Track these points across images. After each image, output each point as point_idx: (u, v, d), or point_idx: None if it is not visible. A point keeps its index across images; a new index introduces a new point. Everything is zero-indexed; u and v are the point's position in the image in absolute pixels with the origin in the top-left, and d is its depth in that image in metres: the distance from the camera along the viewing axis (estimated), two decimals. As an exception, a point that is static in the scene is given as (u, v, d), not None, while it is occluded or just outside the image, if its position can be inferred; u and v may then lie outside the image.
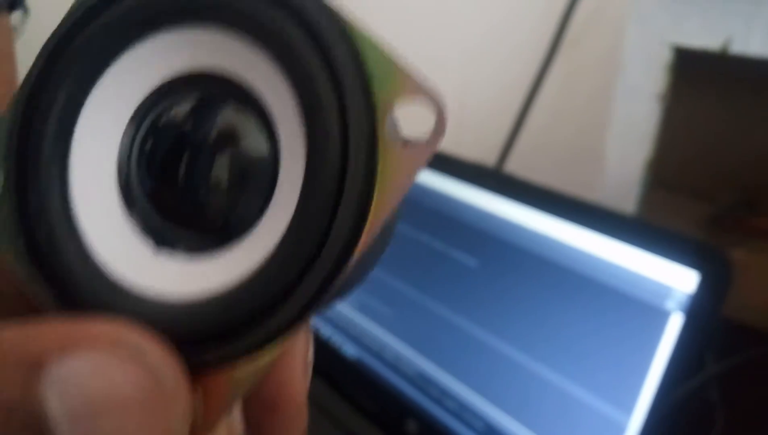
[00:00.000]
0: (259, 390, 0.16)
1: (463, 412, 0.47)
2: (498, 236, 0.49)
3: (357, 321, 0.56)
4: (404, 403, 0.51)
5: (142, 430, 0.11)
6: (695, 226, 0.58)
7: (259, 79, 0.14)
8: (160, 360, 0.12)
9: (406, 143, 0.13)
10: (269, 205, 0.14)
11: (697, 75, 0.50)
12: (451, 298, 0.50)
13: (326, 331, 0.58)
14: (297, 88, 0.14)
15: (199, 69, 0.15)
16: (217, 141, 0.15)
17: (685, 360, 0.39)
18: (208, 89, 0.15)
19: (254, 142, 0.15)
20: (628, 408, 0.40)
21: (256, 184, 0.15)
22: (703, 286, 0.39)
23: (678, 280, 0.40)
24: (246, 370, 0.14)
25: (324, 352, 0.57)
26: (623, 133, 0.51)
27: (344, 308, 0.57)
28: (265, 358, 0.14)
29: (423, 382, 0.50)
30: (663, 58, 0.47)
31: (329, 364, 0.56)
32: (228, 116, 0.15)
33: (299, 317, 0.13)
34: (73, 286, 0.14)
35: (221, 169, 0.15)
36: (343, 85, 0.13)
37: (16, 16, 0.50)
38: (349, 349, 0.56)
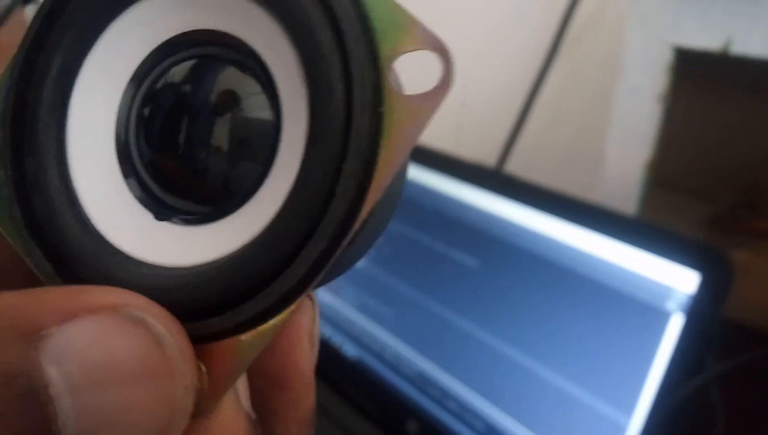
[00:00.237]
0: (264, 365, 0.16)
1: (463, 412, 0.47)
2: (498, 237, 0.49)
3: (357, 321, 0.56)
4: (405, 404, 0.51)
5: (145, 402, 0.11)
6: (696, 227, 0.58)
7: (258, 35, 0.14)
8: (164, 329, 0.11)
9: (413, 95, 0.13)
10: (271, 169, 0.14)
11: (698, 75, 0.50)
12: (452, 299, 0.50)
13: (326, 331, 0.58)
14: (297, 42, 0.13)
15: (197, 28, 0.14)
16: (217, 103, 0.14)
17: (685, 361, 0.39)
18: (207, 49, 0.14)
19: (255, 102, 0.14)
20: (629, 408, 0.40)
21: (258, 147, 0.14)
22: (704, 286, 0.39)
23: (678, 280, 0.40)
24: (250, 341, 0.13)
25: (324, 352, 0.57)
26: (624, 133, 0.51)
27: (344, 308, 0.57)
28: (269, 328, 0.13)
29: (423, 383, 0.50)
30: (663, 58, 0.47)
31: (329, 364, 0.56)
32: (228, 77, 0.14)
33: (303, 283, 0.13)
34: (72, 256, 0.14)
35: (221, 133, 0.14)
36: (346, 35, 0.13)
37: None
38: (350, 350, 0.56)
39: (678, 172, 0.56)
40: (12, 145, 0.14)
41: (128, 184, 0.15)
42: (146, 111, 0.15)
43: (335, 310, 0.58)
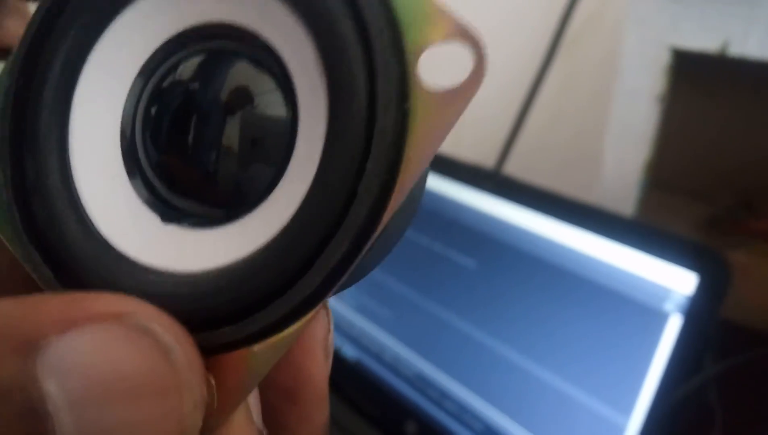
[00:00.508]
0: (277, 377, 0.15)
1: (462, 413, 0.47)
2: (497, 238, 0.49)
3: (356, 322, 0.56)
4: (403, 405, 0.51)
5: (151, 419, 0.10)
6: (694, 228, 0.59)
7: (273, 28, 0.13)
8: (172, 339, 0.11)
9: (441, 90, 0.11)
10: (287, 169, 0.12)
11: (696, 77, 0.51)
12: (450, 300, 0.50)
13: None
14: (316, 34, 0.12)
15: (207, 21, 0.13)
16: (228, 101, 0.13)
17: (683, 361, 0.39)
18: (218, 44, 0.13)
19: (269, 99, 0.13)
20: (627, 409, 0.40)
21: (272, 147, 0.13)
22: (702, 287, 0.39)
23: (677, 281, 0.40)
24: (263, 353, 0.12)
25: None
26: (622, 134, 0.51)
27: (343, 310, 0.57)
28: (283, 339, 0.12)
29: (422, 384, 0.50)
30: (661, 60, 0.47)
31: (328, 365, 0.56)
32: (240, 73, 0.13)
33: (321, 291, 0.12)
34: (73, 261, 0.13)
35: (233, 132, 0.13)
36: (369, 26, 0.12)
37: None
38: (349, 351, 0.56)
39: (676, 173, 0.56)
40: (11, 145, 0.13)
41: (133, 185, 0.14)
42: (153, 110, 0.14)
43: (334, 311, 0.58)
